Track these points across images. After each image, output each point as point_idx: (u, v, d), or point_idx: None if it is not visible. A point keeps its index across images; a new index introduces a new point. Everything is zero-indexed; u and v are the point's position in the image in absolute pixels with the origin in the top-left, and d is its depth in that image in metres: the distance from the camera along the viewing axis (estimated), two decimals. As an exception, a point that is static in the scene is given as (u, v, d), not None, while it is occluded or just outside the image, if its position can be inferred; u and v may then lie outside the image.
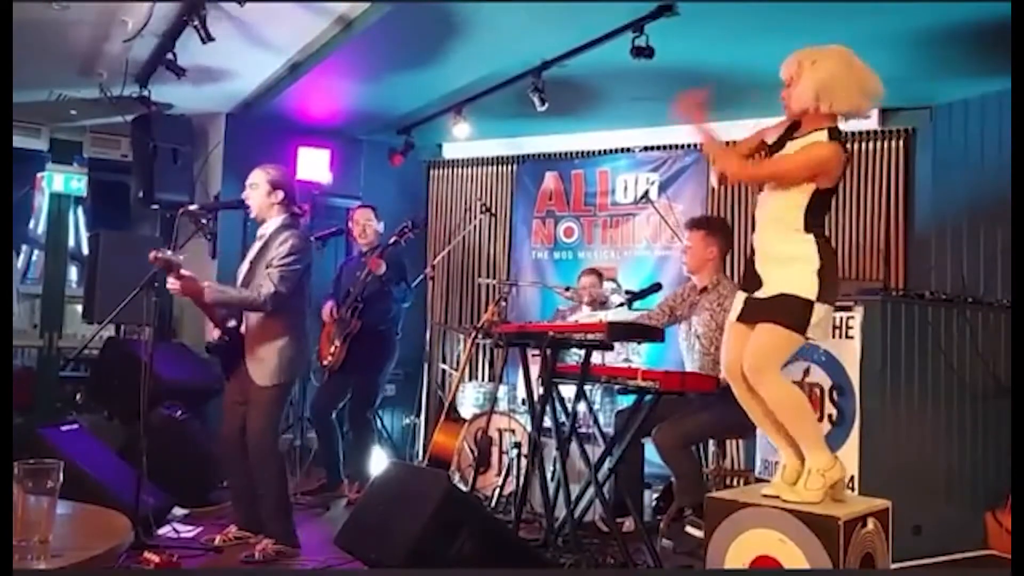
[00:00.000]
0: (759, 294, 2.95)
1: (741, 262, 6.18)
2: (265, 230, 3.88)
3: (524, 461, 4.19)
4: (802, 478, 2.84)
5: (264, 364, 3.72)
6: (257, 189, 3.87)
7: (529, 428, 4.32)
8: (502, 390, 5.36)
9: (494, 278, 6.89)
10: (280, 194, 3.88)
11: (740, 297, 3.05)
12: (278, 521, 3.78)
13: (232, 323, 3.81)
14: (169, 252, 3.63)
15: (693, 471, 4.05)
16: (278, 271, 3.68)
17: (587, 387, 3.82)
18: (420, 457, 5.59)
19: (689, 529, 3.86)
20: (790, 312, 2.84)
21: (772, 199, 2.98)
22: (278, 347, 3.74)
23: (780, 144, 3.03)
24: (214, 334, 3.84)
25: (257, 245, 3.88)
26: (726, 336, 3.10)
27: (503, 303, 5.44)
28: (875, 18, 4.06)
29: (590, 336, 3.54)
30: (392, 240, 4.98)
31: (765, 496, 2.88)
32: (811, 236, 2.89)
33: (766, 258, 2.99)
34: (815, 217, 2.90)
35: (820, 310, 2.84)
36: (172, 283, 3.57)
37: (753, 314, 2.95)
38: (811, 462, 2.85)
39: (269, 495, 3.78)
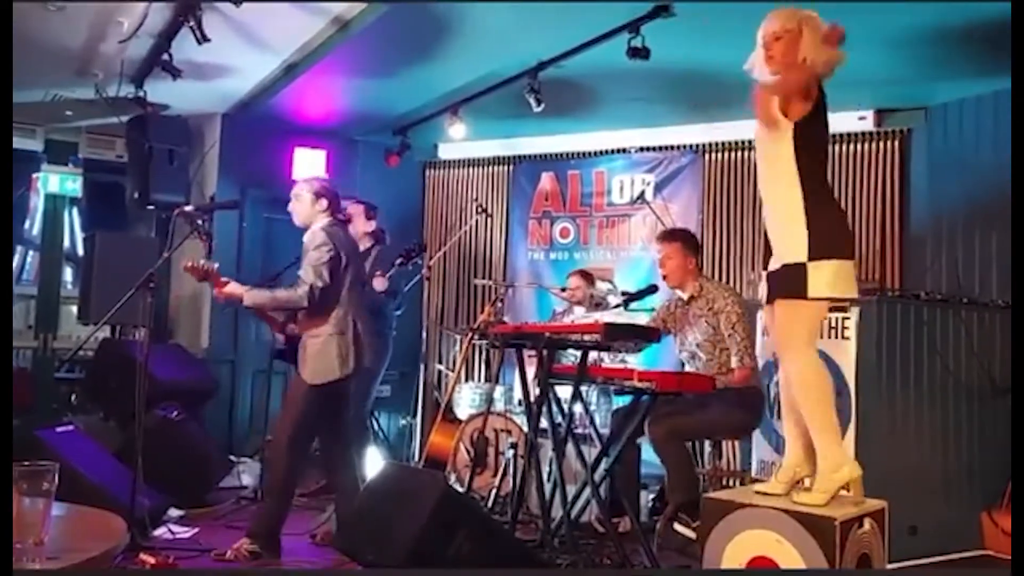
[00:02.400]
0: (772, 267, 2.95)
1: (737, 262, 6.22)
2: (306, 237, 3.92)
3: (521, 462, 4.19)
4: (816, 480, 2.85)
5: (307, 362, 3.77)
6: (300, 200, 3.92)
7: (525, 429, 4.32)
8: (498, 391, 5.35)
9: (490, 279, 6.89)
10: (324, 202, 3.90)
11: (763, 277, 3.04)
12: (266, 523, 3.74)
13: (292, 327, 3.89)
14: (203, 261, 3.72)
15: (685, 466, 4.04)
16: (310, 265, 3.72)
17: (583, 388, 3.82)
18: (416, 458, 5.58)
19: (677, 527, 3.85)
20: (788, 283, 2.84)
21: (764, 152, 2.96)
22: (317, 347, 3.76)
23: None
24: (279, 339, 3.98)
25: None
26: (765, 322, 3.07)
27: (499, 304, 5.44)
28: (870, 19, 4.06)
29: (587, 337, 3.54)
30: (399, 262, 4.99)
31: (758, 493, 2.89)
32: (798, 184, 2.84)
33: (771, 223, 2.98)
34: (808, 162, 2.85)
35: (820, 268, 2.78)
36: (216, 293, 3.69)
37: (771, 293, 2.95)
38: (823, 462, 2.83)
39: (270, 494, 3.79)
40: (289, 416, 3.78)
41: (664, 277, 4.34)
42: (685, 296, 4.30)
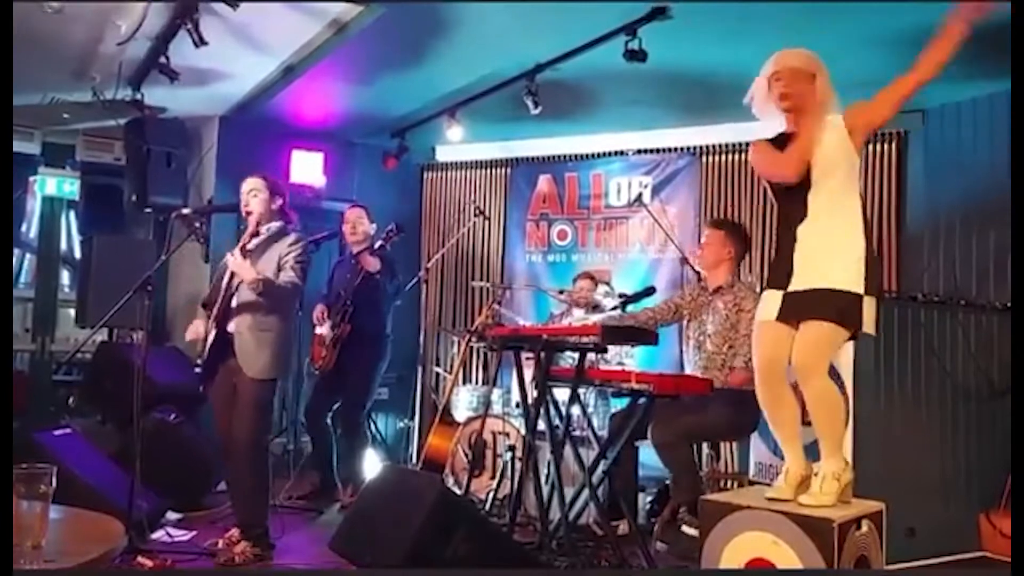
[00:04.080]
0: (796, 287, 2.90)
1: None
2: (261, 230, 3.91)
3: (518, 464, 4.19)
4: (816, 482, 2.87)
5: (259, 357, 3.74)
6: (259, 195, 3.91)
7: (523, 431, 4.32)
8: (496, 393, 5.36)
9: (488, 281, 6.89)
10: (280, 200, 3.95)
11: (773, 295, 2.98)
12: (259, 523, 3.78)
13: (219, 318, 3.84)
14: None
15: (690, 467, 4.05)
16: (299, 265, 3.79)
17: (581, 390, 3.82)
18: (414, 460, 5.58)
19: (685, 529, 3.86)
20: (836, 309, 2.83)
21: (829, 181, 2.93)
22: (272, 341, 3.78)
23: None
24: (198, 330, 3.85)
25: (254, 241, 3.89)
26: (759, 335, 3.02)
27: (497, 306, 5.44)
28: (867, 20, 4.08)
29: (584, 339, 3.55)
30: (379, 244, 4.97)
31: (770, 500, 2.88)
32: (859, 214, 2.91)
33: (812, 244, 2.92)
34: (859, 193, 2.95)
35: (871, 304, 2.84)
36: (237, 257, 3.70)
37: (796, 312, 2.91)
38: (828, 466, 2.87)
39: (255, 495, 3.79)
40: (256, 414, 3.77)
41: (698, 258, 4.47)
42: (712, 286, 4.33)
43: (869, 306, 2.84)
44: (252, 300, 3.74)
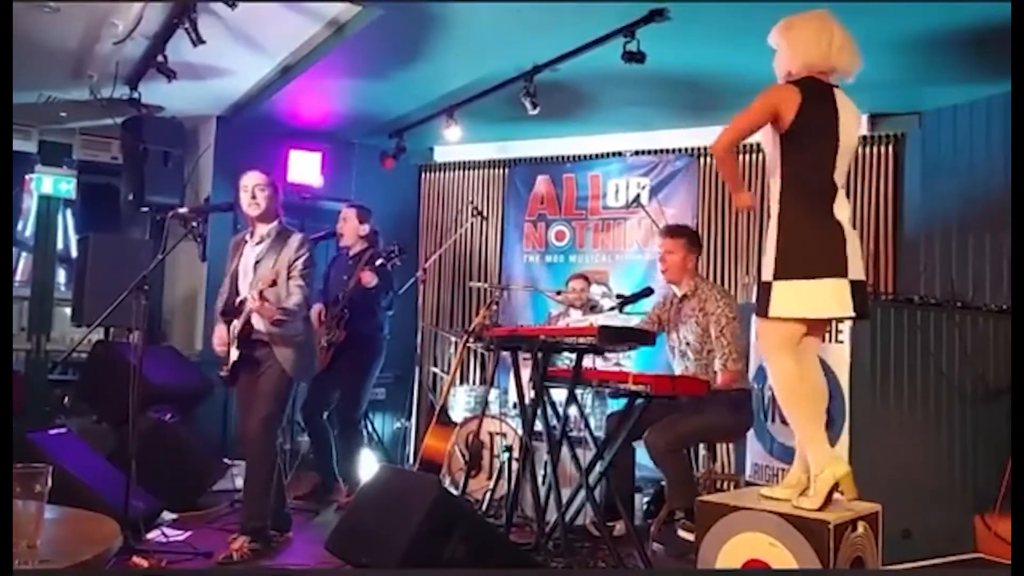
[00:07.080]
0: (856, 275, 2.83)
1: (732, 265, 6.23)
2: (264, 232, 3.90)
3: (515, 465, 4.19)
4: (811, 485, 2.85)
5: (297, 361, 3.85)
6: (265, 191, 3.90)
7: (520, 432, 4.32)
8: (493, 394, 5.35)
9: (485, 281, 6.89)
10: (280, 197, 4.00)
11: (836, 284, 2.86)
12: (262, 518, 3.79)
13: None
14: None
15: (684, 474, 4.05)
16: (308, 271, 3.87)
17: (578, 391, 3.82)
18: (411, 461, 5.58)
19: (681, 533, 3.86)
20: (759, 299, 2.87)
21: (845, 162, 2.89)
22: (307, 347, 3.95)
23: None
24: (220, 349, 3.89)
25: (261, 247, 3.89)
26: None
27: (495, 306, 5.44)
28: (865, 23, 4.07)
29: (581, 340, 3.55)
30: (379, 263, 4.96)
31: (763, 497, 2.89)
32: (777, 199, 2.84)
33: (851, 233, 2.85)
34: (790, 175, 2.81)
35: (781, 288, 2.77)
36: (256, 301, 3.69)
37: (863, 305, 2.86)
38: (811, 466, 2.85)
39: (261, 486, 3.79)
40: (274, 407, 3.81)
41: (663, 271, 4.34)
42: (679, 293, 4.31)
43: (777, 291, 2.83)
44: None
